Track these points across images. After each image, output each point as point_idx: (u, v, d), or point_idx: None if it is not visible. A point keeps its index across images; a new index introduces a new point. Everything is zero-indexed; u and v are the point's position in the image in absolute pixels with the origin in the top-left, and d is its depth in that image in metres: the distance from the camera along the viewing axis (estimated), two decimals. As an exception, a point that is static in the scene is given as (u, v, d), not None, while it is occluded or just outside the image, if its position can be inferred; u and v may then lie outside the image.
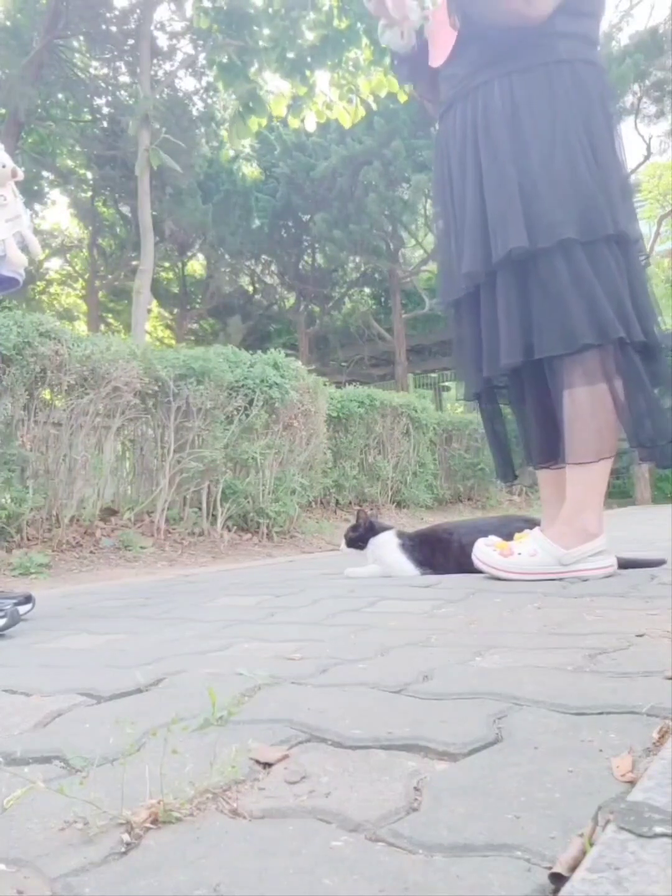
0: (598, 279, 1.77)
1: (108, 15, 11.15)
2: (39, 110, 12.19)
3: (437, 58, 2.01)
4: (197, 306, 16.18)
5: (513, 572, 1.79)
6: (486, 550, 1.85)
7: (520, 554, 1.81)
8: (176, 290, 16.16)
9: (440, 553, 2.14)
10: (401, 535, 2.24)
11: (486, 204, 1.85)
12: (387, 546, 2.20)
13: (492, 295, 1.88)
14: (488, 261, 1.85)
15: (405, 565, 2.15)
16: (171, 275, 16.12)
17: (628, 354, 1.80)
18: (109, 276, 15.22)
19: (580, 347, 1.76)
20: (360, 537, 2.29)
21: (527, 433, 2.03)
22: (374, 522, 2.32)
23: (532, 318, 1.81)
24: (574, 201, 1.77)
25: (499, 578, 1.80)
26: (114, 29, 11.41)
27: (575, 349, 1.76)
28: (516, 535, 1.89)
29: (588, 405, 1.78)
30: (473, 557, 1.87)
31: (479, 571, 1.88)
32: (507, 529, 1.98)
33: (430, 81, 2.11)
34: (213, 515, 4.43)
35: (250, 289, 16.47)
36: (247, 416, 4.50)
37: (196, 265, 16.48)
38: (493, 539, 1.89)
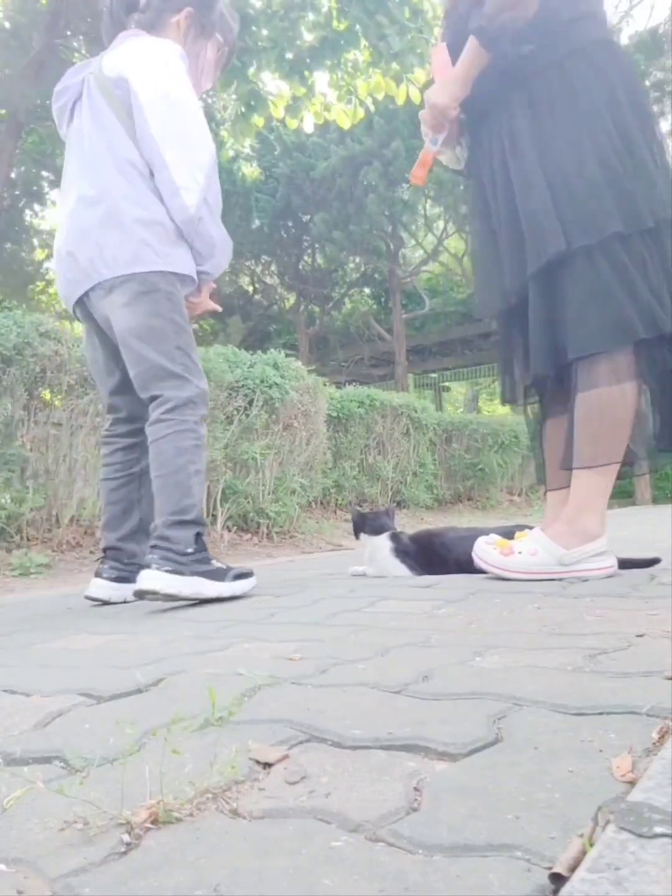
0: (639, 272, 1.72)
1: (108, 15, 11.14)
2: (39, 110, 12.18)
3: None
4: (197, 306, 16.15)
5: (513, 571, 1.79)
6: (486, 548, 1.85)
7: (520, 553, 1.80)
8: (176, 290, 16.13)
9: (439, 564, 2.14)
10: (395, 538, 2.23)
11: (520, 219, 1.83)
12: (381, 551, 2.21)
13: (527, 304, 1.85)
14: (524, 275, 1.82)
15: (400, 570, 2.17)
16: (170, 275, 16.09)
17: (666, 350, 1.75)
18: (109, 277, 15.17)
19: (629, 342, 1.71)
20: (354, 530, 2.36)
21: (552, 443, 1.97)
22: (366, 514, 2.33)
23: (568, 319, 1.77)
24: (611, 194, 1.73)
25: (499, 577, 1.80)
26: (114, 29, 11.39)
27: (622, 345, 1.72)
28: (517, 534, 1.89)
29: (607, 406, 1.74)
30: (474, 556, 1.86)
31: (478, 571, 1.88)
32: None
33: None
34: (213, 515, 4.43)
35: (250, 289, 16.47)
36: (247, 416, 4.50)
37: (196, 265, 16.46)
38: (494, 537, 1.89)
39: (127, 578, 1.97)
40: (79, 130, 1.99)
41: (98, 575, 2.01)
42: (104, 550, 2.05)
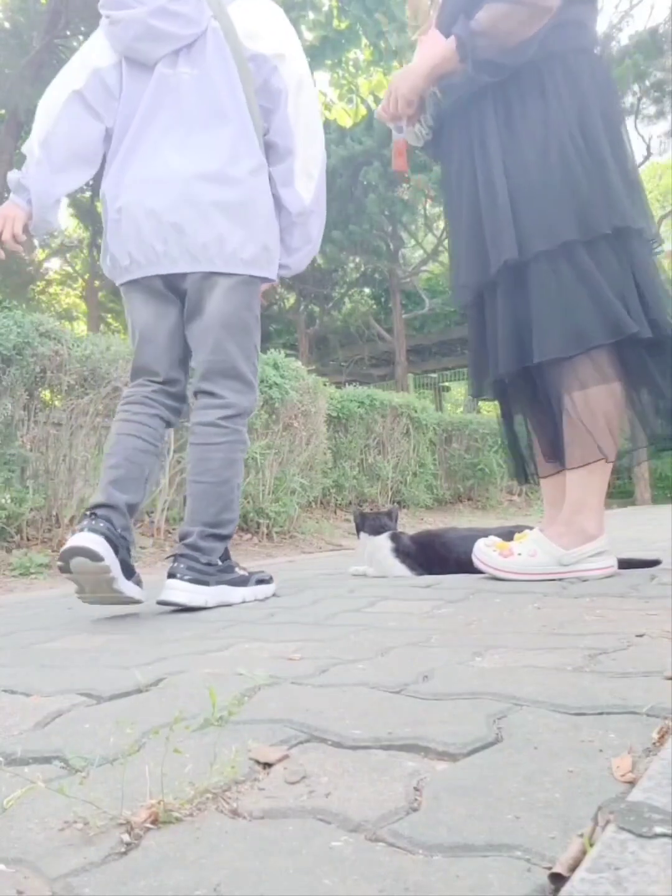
0: (606, 276, 1.75)
1: (107, 15, 11.14)
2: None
3: None
4: (197, 306, 16.14)
5: (512, 572, 1.79)
6: (485, 550, 1.85)
7: (519, 554, 1.81)
8: (176, 290, 16.11)
9: (439, 564, 2.14)
10: (395, 538, 2.23)
11: (482, 217, 1.85)
12: (381, 550, 2.21)
13: (495, 301, 1.87)
14: (484, 273, 1.85)
15: (400, 570, 2.17)
16: (171, 275, 16.08)
17: (638, 351, 1.78)
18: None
19: (589, 348, 1.74)
20: (356, 530, 2.36)
21: (533, 437, 2.00)
22: (367, 514, 2.34)
23: (532, 322, 1.79)
24: (574, 201, 1.75)
25: (498, 578, 1.80)
26: (114, 29, 11.39)
27: (583, 350, 1.74)
28: (516, 536, 1.89)
29: (593, 406, 1.76)
30: (473, 557, 1.87)
31: (478, 572, 1.88)
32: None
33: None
34: (213, 515, 4.42)
35: (250, 289, 16.45)
36: (247, 416, 4.49)
37: (196, 265, 16.46)
38: (493, 539, 1.89)
39: (116, 544, 1.59)
40: (195, 84, 1.80)
41: (81, 529, 1.58)
42: (97, 507, 1.64)
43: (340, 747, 0.68)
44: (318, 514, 5.71)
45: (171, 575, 1.70)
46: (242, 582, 1.80)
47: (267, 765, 0.65)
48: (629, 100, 11.58)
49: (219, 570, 1.75)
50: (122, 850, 0.51)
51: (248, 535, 4.59)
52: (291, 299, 16.34)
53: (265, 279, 1.88)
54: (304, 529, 5.03)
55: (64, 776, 0.67)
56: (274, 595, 1.88)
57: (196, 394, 1.85)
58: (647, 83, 11.48)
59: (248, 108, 1.80)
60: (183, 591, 1.67)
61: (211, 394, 1.80)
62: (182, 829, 0.54)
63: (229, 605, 1.74)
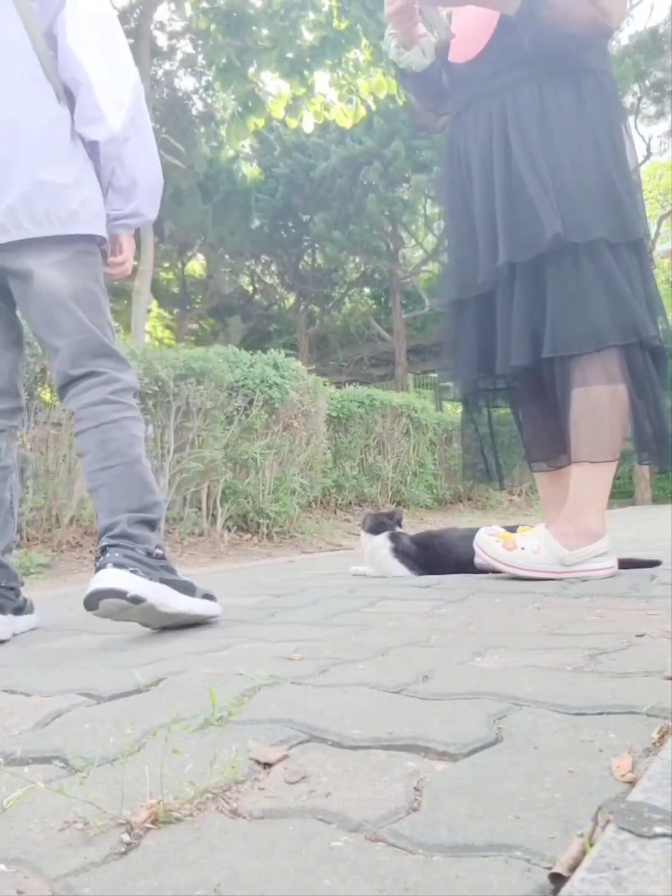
0: (626, 280, 1.79)
1: (107, 15, 11.11)
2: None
3: (463, 54, 1.97)
4: (197, 306, 16.17)
5: (514, 567, 1.78)
6: (488, 540, 1.83)
7: (523, 548, 1.79)
8: (176, 290, 16.14)
9: (439, 565, 2.14)
10: (395, 538, 2.23)
11: (519, 195, 1.84)
12: (380, 550, 2.21)
13: (510, 294, 1.87)
14: (521, 252, 1.84)
15: (399, 570, 2.17)
16: (170, 275, 16.10)
17: (645, 355, 1.82)
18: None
19: (606, 346, 1.77)
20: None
21: (533, 433, 2.02)
22: (370, 515, 2.35)
23: (549, 317, 1.81)
24: (605, 203, 1.79)
25: (499, 570, 1.80)
26: (113, 29, 11.36)
27: (599, 348, 1.77)
28: (520, 529, 1.88)
29: (604, 404, 1.78)
30: (475, 546, 1.85)
31: (477, 572, 1.88)
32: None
33: (436, 93, 2.10)
34: (212, 515, 4.43)
35: (250, 289, 16.48)
36: (247, 416, 4.50)
37: (196, 265, 16.47)
38: (497, 529, 1.87)
39: (1, 607, 1.54)
40: None
41: None
42: None
43: (340, 747, 0.68)
44: (318, 514, 5.71)
45: (99, 567, 1.37)
46: (188, 589, 1.48)
47: (267, 765, 0.65)
48: (629, 100, 11.60)
49: (161, 566, 1.44)
50: (122, 850, 0.51)
51: (248, 535, 4.59)
52: (291, 299, 16.36)
53: (94, 237, 1.57)
54: (304, 529, 5.03)
55: (64, 776, 0.67)
56: (215, 618, 1.55)
57: (64, 387, 1.57)
58: (647, 83, 11.49)
59: (33, 46, 1.51)
60: (124, 578, 1.33)
61: (89, 374, 1.53)
62: (182, 829, 0.54)
63: (170, 610, 1.40)
